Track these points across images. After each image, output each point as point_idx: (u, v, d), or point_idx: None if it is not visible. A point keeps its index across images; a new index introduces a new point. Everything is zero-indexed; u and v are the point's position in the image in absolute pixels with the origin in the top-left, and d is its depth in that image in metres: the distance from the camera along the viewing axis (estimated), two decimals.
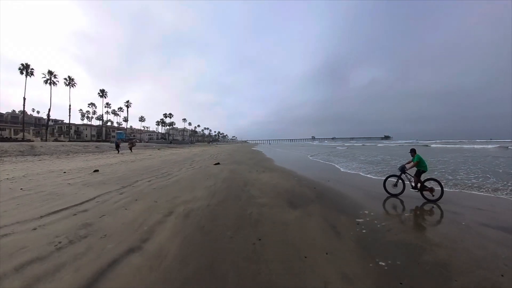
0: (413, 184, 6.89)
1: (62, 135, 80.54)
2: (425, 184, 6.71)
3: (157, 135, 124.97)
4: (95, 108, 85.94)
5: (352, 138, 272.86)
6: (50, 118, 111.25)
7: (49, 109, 53.41)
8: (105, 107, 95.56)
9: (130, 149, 30.38)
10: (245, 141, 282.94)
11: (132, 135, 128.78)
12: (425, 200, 6.53)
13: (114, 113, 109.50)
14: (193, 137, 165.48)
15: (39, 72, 60.05)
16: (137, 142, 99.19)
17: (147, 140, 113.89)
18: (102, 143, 53.64)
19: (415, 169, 6.89)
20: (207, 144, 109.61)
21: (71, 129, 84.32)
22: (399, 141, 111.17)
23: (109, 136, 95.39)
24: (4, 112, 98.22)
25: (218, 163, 15.92)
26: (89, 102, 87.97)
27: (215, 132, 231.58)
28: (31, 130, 73.99)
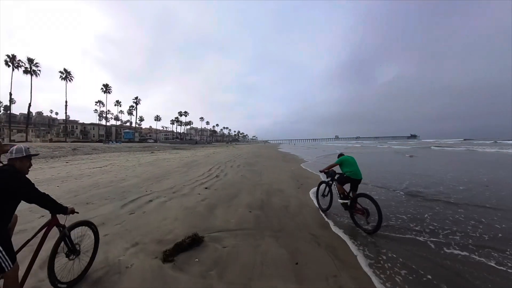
0: (338, 194, 4.82)
1: (67, 135, 73.45)
2: (358, 202, 4.43)
3: (173, 134, 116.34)
4: (103, 106, 77.68)
5: (376, 138, 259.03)
6: (56, 117, 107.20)
7: (29, 104, 44.60)
8: (115, 105, 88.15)
9: None
10: (266, 141, 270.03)
11: (148, 135, 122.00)
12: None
13: (130, 112, 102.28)
14: (212, 137, 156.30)
15: (49, 69, 52.19)
16: (152, 141, 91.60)
17: (162, 140, 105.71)
18: (92, 143, 44.53)
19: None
20: (225, 145, 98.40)
21: (77, 128, 77.34)
22: (425, 140, 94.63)
23: (119, 136, 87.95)
24: (18, 114, 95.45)
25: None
26: (96, 100, 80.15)
27: (234, 131, 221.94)
28: (30, 131, 67.21)
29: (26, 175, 2.10)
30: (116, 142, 55.93)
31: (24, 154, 2.11)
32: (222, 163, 15.88)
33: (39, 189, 2.12)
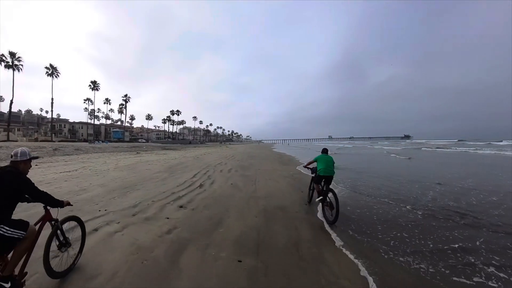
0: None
1: (54, 134, 70.23)
2: (327, 196, 4.97)
3: (165, 134, 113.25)
4: (92, 104, 74.42)
5: (370, 138, 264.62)
6: (46, 116, 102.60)
7: (11, 101, 41.53)
8: (105, 103, 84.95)
9: None
10: (260, 141, 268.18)
11: (139, 134, 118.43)
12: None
13: (120, 111, 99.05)
14: (205, 137, 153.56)
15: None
16: (143, 141, 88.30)
17: (154, 140, 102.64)
18: (76, 143, 41.80)
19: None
20: (218, 145, 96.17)
21: (65, 127, 74.12)
22: (416, 141, 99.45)
23: (109, 135, 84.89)
24: (6, 112, 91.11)
25: None
26: (85, 98, 76.90)
27: (228, 131, 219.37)
28: (16, 130, 63.93)
29: (27, 176, 2.33)
30: (103, 141, 53.24)
31: (28, 158, 2.36)
32: (211, 167, 14.03)
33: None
